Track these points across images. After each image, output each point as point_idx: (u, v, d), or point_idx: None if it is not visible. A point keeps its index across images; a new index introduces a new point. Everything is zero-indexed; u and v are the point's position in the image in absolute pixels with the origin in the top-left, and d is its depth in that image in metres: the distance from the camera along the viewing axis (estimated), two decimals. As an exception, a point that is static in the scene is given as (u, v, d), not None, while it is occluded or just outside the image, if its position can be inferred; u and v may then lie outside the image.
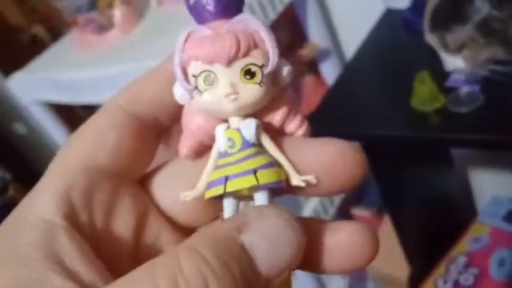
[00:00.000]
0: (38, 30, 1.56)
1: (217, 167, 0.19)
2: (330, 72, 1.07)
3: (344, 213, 1.22)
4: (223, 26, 0.19)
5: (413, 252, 0.99)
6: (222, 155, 0.19)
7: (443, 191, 1.06)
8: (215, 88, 0.18)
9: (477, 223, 1.01)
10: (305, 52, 1.03)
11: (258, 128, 0.19)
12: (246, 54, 0.18)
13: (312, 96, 1.05)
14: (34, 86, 1.05)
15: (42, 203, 0.18)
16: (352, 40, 0.99)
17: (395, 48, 0.85)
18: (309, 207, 1.03)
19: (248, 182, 0.18)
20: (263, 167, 0.19)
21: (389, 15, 0.90)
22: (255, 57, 0.18)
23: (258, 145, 0.19)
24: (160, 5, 1.00)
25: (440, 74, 0.70)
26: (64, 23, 1.31)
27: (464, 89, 0.67)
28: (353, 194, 1.19)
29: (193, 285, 0.14)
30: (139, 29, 0.97)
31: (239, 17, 0.19)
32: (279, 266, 0.16)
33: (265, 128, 0.20)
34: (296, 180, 0.19)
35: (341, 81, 0.84)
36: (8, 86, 1.13)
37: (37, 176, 0.20)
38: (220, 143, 0.19)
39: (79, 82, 0.92)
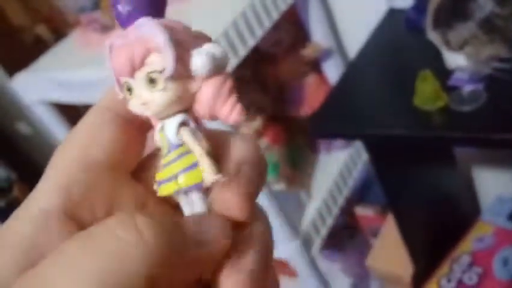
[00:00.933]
0: (42, 30, 1.57)
1: (160, 166, 0.20)
2: (332, 71, 1.07)
3: (347, 213, 1.22)
4: (126, 33, 0.19)
5: (417, 251, 0.99)
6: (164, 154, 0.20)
7: (447, 190, 1.06)
8: (133, 98, 0.19)
9: (481, 222, 1.01)
10: (308, 52, 1.03)
11: (178, 127, 0.19)
12: (142, 63, 0.19)
13: (315, 96, 1.05)
14: (38, 86, 1.05)
15: (43, 198, 0.19)
16: (355, 40, 0.99)
17: (398, 48, 0.84)
18: (312, 206, 1.03)
19: (171, 187, 0.19)
20: (185, 170, 0.19)
21: (392, 14, 0.90)
22: (153, 64, 0.18)
23: (184, 145, 0.20)
24: (163, 5, 1.00)
25: (442, 73, 0.70)
26: (67, 23, 1.32)
27: (467, 88, 0.67)
28: (356, 193, 1.19)
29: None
30: (142, 29, 0.97)
31: (136, 23, 0.19)
32: (208, 234, 0.18)
33: (197, 119, 0.20)
34: (207, 179, 0.19)
35: (343, 80, 0.84)
36: (11, 86, 1.13)
37: (41, 176, 0.21)
38: (156, 144, 0.20)
39: (82, 81, 0.93)
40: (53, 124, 1.14)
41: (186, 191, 0.20)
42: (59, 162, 0.20)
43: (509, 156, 1.04)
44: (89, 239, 0.16)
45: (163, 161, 0.20)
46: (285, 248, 0.97)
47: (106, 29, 0.98)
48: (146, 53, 0.18)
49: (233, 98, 0.19)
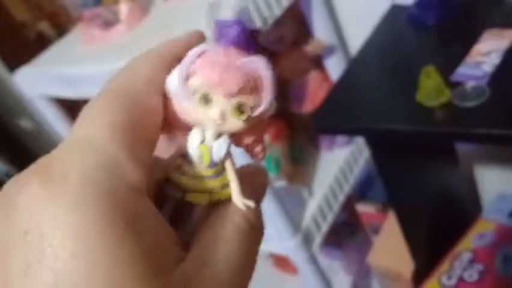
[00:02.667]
0: (44, 26, 1.57)
1: (188, 172, 0.23)
2: (335, 68, 1.07)
3: (348, 209, 1.22)
4: (237, 58, 0.21)
5: (418, 248, 0.99)
6: (188, 159, 0.22)
7: (448, 187, 1.05)
8: (208, 109, 0.21)
9: (482, 219, 1.01)
10: (310, 48, 1.03)
11: (228, 152, 0.22)
12: (245, 94, 0.21)
13: (317, 92, 1.05)
14: (40, 81, 1.05)
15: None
16: (357, 36, 0.98)
17: (401, 44, 0.84)
18: (314, 203, 1.03)
19: (203, 198, 0.23)
20: (218, 188, 0.23)
21: (395, 10, 0.90)
22: (250, 99, 0.21)
23: (220, 164, 0.22)
24: (165, 0, 1.00)
25: (445, 69, 0.70)
26: (70, 19, 1.32)
27: (470, 83, 0.67)
28: (357, 190, 1.19)
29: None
30: (144, 24, 0.97)
31: (253, 58, 0.21)
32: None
33: (233, 143, 0.23)
34: (238, 203, 0.22)
35: (346, 76, 0.84)
36: (13, 81, 1.13)
37: None
38: (191, 150, 0.22)
39: (84, 77, 0.93)
40: (54, 119, 1.14)
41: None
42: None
43: (511, 154, 1.04)
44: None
45: (195, 170, 0.22)
46: (285, 244, 0.97)
47: (108, 24, 0.98)
48: (253, 88, 0.21)
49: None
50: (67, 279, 0.16)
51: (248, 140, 0.23)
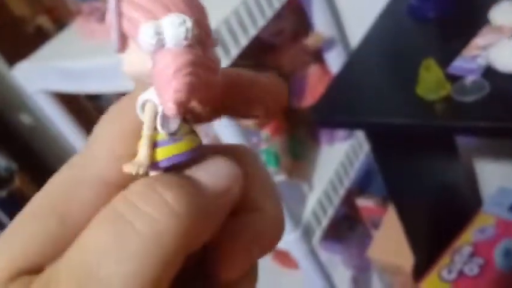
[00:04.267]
0: (43, 20, 1.56)
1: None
2: (335, 61, 1.06)
3: (348, 203, 1.22)
4: None
5: (418, 242, 0.99)
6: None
7: (449, 181, 1.05)
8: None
9: (482, 213, 1.01)
10: (310, 41, 1.03)
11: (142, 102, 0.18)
12: None
13: (317, 86, 1.05)
14: (39, 76, 1.05)
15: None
16: (357, 29, 0.98)
17: (401, 37, 0.84)
18: (314, 197, 1.02)
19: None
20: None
21: (395, 3, 0.89)
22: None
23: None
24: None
25: (446, 62, 0.69)
26: (69, 13, 1.31)
27: (470, 78, 0.66)
28: (357, 184, 1.19)
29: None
30: (143, 18, 0.97)
31: None
32: (221, 181, 0.18)
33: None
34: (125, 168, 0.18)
35: (346, 69, 0.84)
36: (13, 76, 1.13)
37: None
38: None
39: (83, 71, 0.92)
40: (54, 114, 1.14)
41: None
42: (111, 131, 0.19)
43: (511, 148, 1.04)
44: (120, 223, 0.16)
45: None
46: (285, 238, 0.97)
47: (107, 18, 0.98)
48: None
49: (181, 78, 0.17)
50: None
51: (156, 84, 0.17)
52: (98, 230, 0.16)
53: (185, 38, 0.17)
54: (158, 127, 0.18)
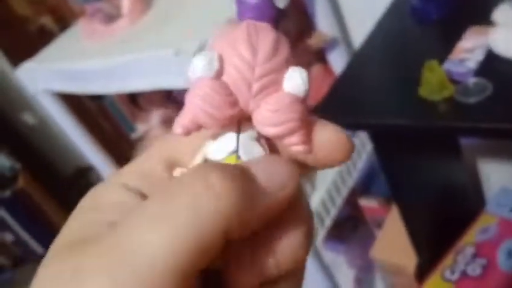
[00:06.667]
0: (46, 20, 1.57)
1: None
2: (338, 61, 1.06)
3: (351, 204, 1.22)
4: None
5: (421, 242, 0.99)
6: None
7: (452, 181, 1.05)
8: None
9: (485, 214, 1.01)
10: (313, 41, 1.03)
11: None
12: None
13: (319, 86, 1.05)
14: (43, 76, 1.05)
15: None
16: (360, 29, 0.98)
17: (404, 38, 0.84)
18: (316, 197, 1.03)
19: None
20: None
21: (398, 4, 0.89)
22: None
23: None
24: (167, -5, 1.00)
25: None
26: (72, 13, 1.32)
27: (472, 79, 0.66)
28: (360, 184, 1.19)
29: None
30: (146, 18, 0.97)
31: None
32: (277, 180, 0.19)
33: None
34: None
35: (348, 70, 0.84)
36: (16, 76, 1.13)
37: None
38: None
39: (87, 72, 0.93)
40: (57, 114, 1.15)
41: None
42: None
43: (514, 148, 1.03)
44: (168, 196, 0.17)
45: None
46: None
47: (110, 18, 0.98)
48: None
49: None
50: None
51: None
52: (151, 198, 0.18)
53: None
54: (242, 154, 0.20)
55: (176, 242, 0.16)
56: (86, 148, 1.20)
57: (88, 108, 1.52)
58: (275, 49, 0.20)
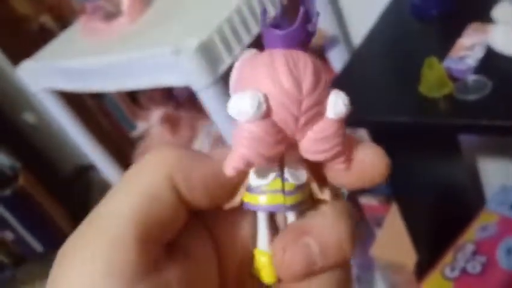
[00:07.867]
0: (46, 19, 1.57)
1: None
2: (337, 59, 1.06)
3: (351, 202, 1.22)
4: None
5: (421, 240, 0.99)
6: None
7: (451, 179, 1.05)
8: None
9: (485, 211, 1.01)
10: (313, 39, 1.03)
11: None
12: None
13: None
14: (43, 75, 1.05)
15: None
16: (360, 27, 0.98)
17: (403, 35, 0.84)
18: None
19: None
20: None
21: (398, 1, 0.89)
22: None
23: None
24: (167, -7, 1.00)
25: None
26: (72, 12, 1.32)
27: (472, 76, 0.66)
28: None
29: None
30: (146, 16, 0.97)
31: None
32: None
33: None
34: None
35: (348, 68, 0.84)
36: (16, 75, 1.13)
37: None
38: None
39: (87, 70, 0.93)
40: (58, 113, 1.15)
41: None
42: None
43: (514, 146, 1.03)
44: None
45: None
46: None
47: (110, 16, 0.98)
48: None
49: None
50: None
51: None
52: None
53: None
54: (289, 177, 0.21)
55: (131, 196, 0.19)
56: (86, 146, 1.20)
57: (88, 107, 1.52)
58: (317, 77, 0.20)
